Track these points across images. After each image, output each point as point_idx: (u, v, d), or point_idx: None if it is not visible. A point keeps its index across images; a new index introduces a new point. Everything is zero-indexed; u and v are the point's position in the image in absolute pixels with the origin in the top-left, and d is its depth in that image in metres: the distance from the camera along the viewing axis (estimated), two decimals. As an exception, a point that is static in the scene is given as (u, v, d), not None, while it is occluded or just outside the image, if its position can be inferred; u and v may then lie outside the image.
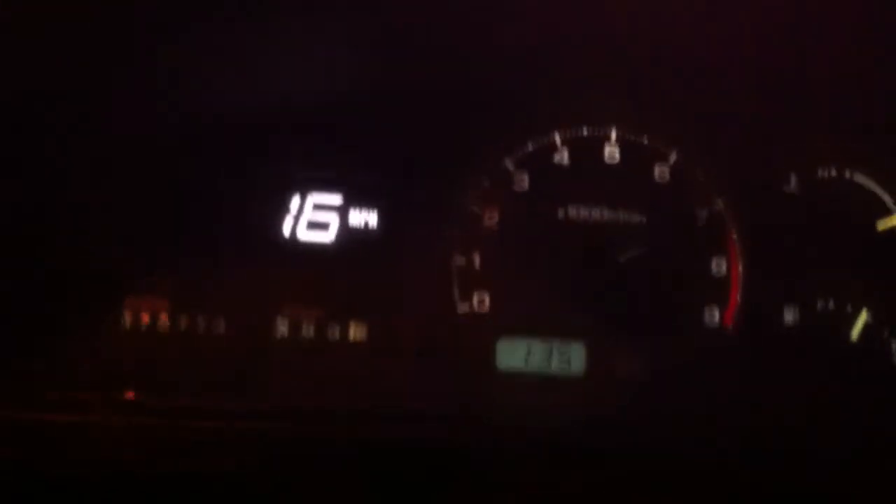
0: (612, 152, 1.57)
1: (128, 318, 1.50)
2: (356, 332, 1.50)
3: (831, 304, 1.54)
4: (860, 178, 1.57)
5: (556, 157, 1.57)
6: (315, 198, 1.54)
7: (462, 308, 1.53)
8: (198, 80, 1.48)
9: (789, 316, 1.53)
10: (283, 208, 1.54)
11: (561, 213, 1.55)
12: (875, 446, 1.26)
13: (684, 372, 1.48)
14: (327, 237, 1.53)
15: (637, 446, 1.32)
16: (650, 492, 1.28)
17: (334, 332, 1.50)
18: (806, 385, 1.47)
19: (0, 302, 1.41)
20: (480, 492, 1.15)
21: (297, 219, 1.53)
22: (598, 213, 1.55)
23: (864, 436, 1.30)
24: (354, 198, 1.54)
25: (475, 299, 1.53)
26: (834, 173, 1.57)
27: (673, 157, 1.56)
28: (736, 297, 1.53)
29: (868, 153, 1.56)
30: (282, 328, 1.50)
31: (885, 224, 1.55)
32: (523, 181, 1.56)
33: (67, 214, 1.47)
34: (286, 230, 1.53)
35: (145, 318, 1.50)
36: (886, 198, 1.56)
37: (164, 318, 1.50)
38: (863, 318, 1.52)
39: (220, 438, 1.20)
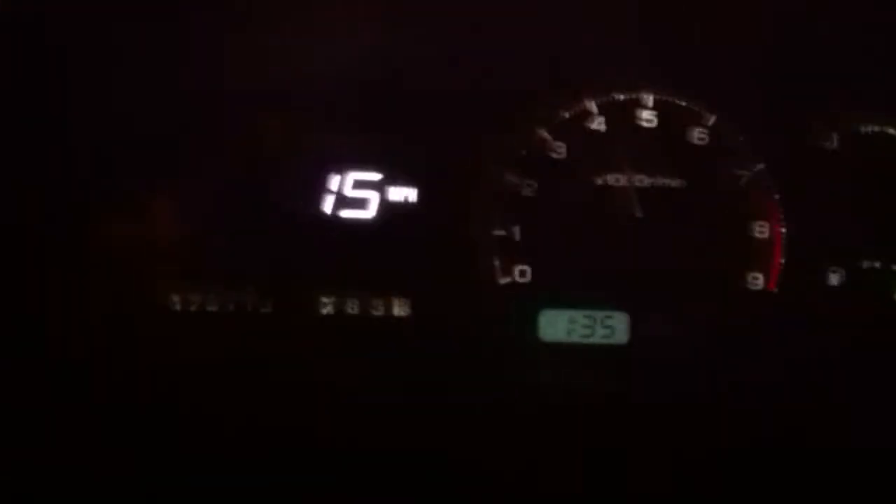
0: (649, 117, 1.56)
1: (175, 299, 1.53)
2: (399, 307, 1.52)
3: (875, 264, 1.52)
4: (903, 135, 1.54)
5: (593, 124, 1.56)
6: (354, 175, 1.55)
7: (503, 280, 1.53)
8: (238, 60, 1.49)
9: (833, 277, 1.52)
10: (323, 186, 1.55)
11: (599, 180, 1.54)
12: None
13: (729, 337, 1.48)
14: (367, 214, 1.54)
15: (685, 413, 1.34)
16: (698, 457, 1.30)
17: (378, 308, 1.52)
18: (851, 346, 1.47)
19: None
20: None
21: (337, 196, 1.54)
22: (638, 179, 1.54)
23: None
24: (393, 174, 1.55)
25: (516, 271, 1.53)
26: (876, 129, 1.55)
27: (711, 120, 1.54)
28: (779, 259, 1.52)
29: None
30: (326, 305, 1.52)
31: (928, 180, 1.53)
32: (561, 149, 1.56)
33: (115, 198, 1.50)
34: (327, 208, 1.54)
35: (191, 299, 1.52)
36: (930, 154, 1.53)
37: (210, 299, 1.52)
38: (907, 276, 1.51)
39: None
